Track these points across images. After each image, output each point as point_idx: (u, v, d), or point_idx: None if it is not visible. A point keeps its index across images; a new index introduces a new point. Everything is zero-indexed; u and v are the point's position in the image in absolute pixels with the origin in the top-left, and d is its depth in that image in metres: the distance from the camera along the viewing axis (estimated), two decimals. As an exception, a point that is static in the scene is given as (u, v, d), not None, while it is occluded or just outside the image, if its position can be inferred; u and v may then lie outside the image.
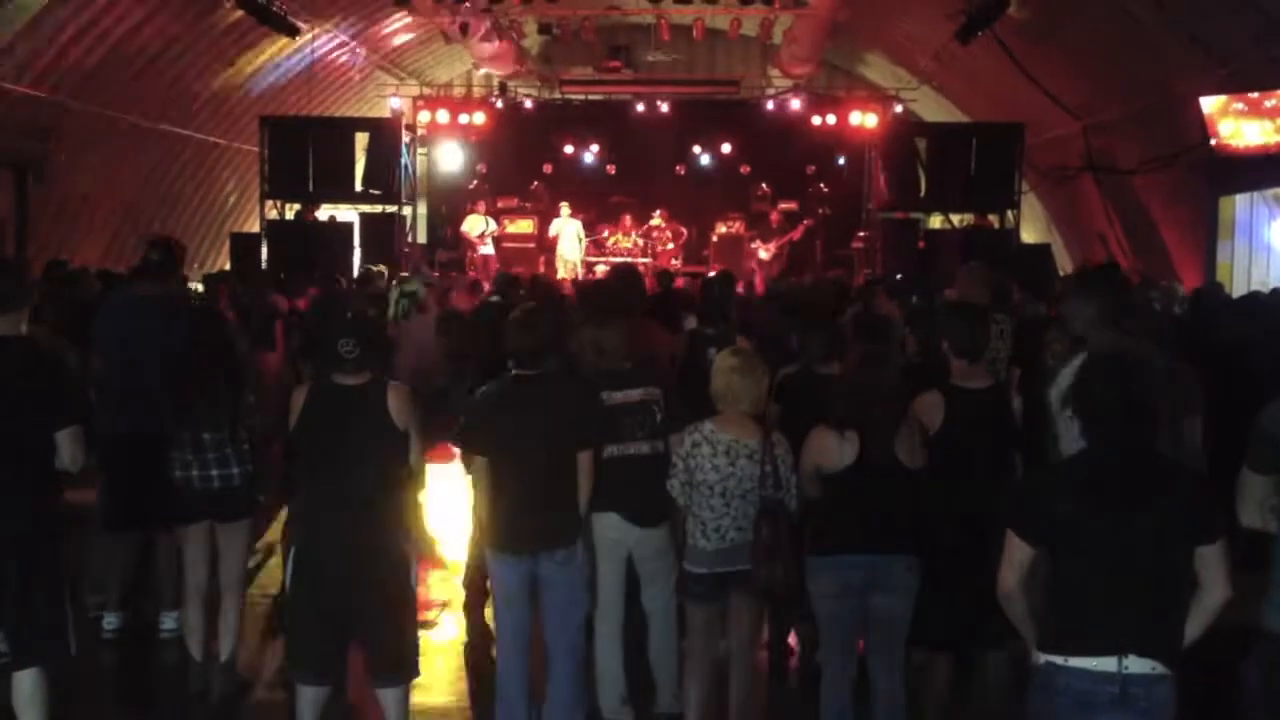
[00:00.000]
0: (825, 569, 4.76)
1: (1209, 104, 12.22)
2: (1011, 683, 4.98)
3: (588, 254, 18.05)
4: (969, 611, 4.69)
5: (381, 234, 16.45)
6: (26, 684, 4.68)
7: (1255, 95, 11.92)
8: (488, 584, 6.03)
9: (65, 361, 5.25)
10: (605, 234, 18.35)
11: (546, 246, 18.25)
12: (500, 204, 18.67)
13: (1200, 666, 3.67)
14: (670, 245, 18.14)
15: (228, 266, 16.00)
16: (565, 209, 18.11)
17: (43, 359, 4.82)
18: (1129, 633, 3.41)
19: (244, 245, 15.90)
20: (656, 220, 18.28)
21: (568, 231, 18.06)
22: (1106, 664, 3.40)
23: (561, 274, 16.99)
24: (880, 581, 4.71)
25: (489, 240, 17.79)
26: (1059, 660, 3.47)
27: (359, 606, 4.82)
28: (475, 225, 17.77)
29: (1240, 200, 13.83)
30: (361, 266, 14.44)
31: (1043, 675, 3.52)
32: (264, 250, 15.61)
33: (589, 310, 6.13)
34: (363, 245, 16.25)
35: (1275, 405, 3.81)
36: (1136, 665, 3.40)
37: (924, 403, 4.96)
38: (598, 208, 18.76)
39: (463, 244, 18.06)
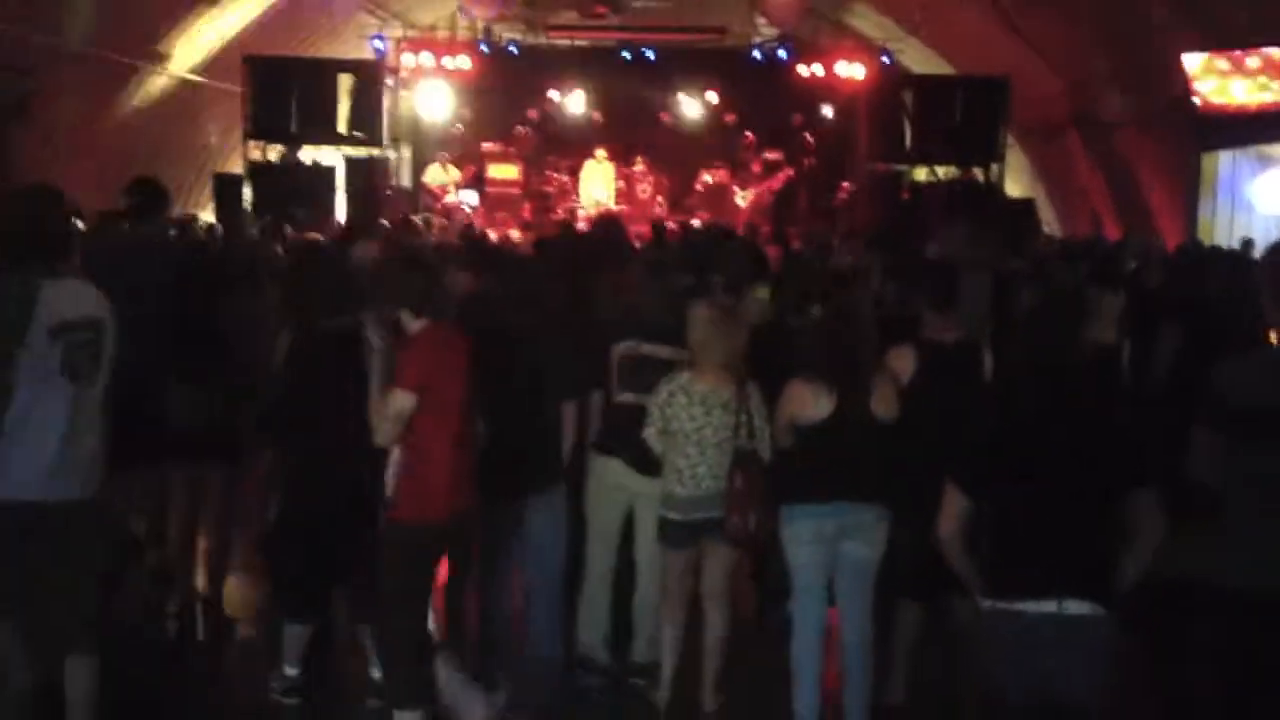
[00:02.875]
0: (797, 517, 4.87)
1: (1191, 62, 12.26)
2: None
3: (568, 203, 18.02)
4: (937, 559, 4.81)
5: (364, 178, 16.42)
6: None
7: (1238, 53, 11.97)
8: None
9: None
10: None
11: (535, 192, 18.22)
12: (485, 148, 18.59)
13: (1146, 616, 3.81)
14: (649, 193, 18.13)
15: (211, 207, 15.97)
16: (601, 153, 18.07)
17: None
18: (1066, 576, 3.54)
19: (226, 186, 15.85)
20: (639, 166, 18.26)
21: (598, 174, 18.06)
22: (1046, 606, 3.54)
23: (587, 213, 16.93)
24: (851, 530, 4.83)
25: (452, 189, 17.66)
26: (1002, 604, 3.60)
27: (344, 546, 4.94)
28: (435, 176, 17.69)
29: (1223, 157, 13.91)
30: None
31: (987, 619, 3.66)
32: (246, 192, 15.57)
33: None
34: (347, 189, 16.22)
35: (1226, 363, 3.91)
36: (1075, 607, 3.53)
37: (896, 355, 5.06)
38: (581, 155, 18.72)
39: (423, 195, 17.91)
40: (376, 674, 5.13)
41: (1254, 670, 3.80)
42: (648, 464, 5.24)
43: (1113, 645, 3.60)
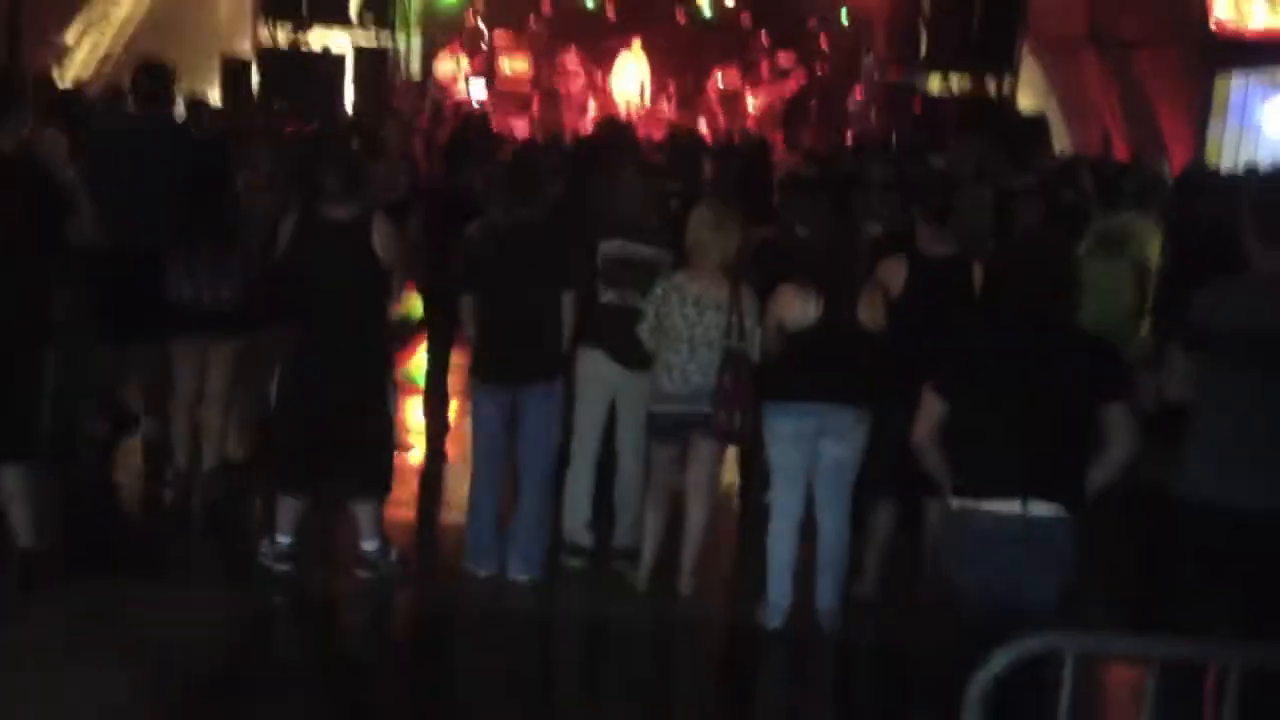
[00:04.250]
0: (780, 415, 5.05)
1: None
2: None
3: (577, 99, 17.85)
4: (913, 460, 4.97)
5: (374, 68, 16.28)
6: (9, 479, 4.94)
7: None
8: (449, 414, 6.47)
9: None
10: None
11: (547, 87, 18.06)
12: (496, 37, 18.38)
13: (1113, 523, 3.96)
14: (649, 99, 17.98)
15: (218, 90, 15.86)
16: (637, 43, 17.85)
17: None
18: (1032, 477, 3.69)
19: (235, 72, 15.72)
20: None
21: (632, 70, 17.91)
22: (1011, 506, 3.69)
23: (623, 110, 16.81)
24: (830, 429, 5.00)
25: (462, 81, 17.48)
26: (969, 504, 3.75)
27: (339, 426, 5.12)
28: (446, 66, 17.50)
29: (1236, 80, 13.81)
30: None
31: (954, 517, 3.81)
32: (254, 78, 15.45)
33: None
34: (355, 79, 16.09)
35: (1206, 292, 4.00)
36: (1038, 509, 3.68)
37: (886, 267, 5.17)
38: (595, 50, 18.51)
39: (433, 86, 17.72)
40: (368, 547, 5.35)
41: (1217, 583, 3.95)
42: (629, 358, 5.37)
43: (1074, 548, 3.73)
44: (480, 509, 5.48)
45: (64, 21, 14.15)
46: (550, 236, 5.37)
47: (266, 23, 16.14)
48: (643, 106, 17.55)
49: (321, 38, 16.86)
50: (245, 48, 16.70)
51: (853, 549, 5.26)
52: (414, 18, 17.91)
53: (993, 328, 3.93)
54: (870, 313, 4.99)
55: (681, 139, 8.69)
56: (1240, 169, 11.64)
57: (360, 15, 16.41)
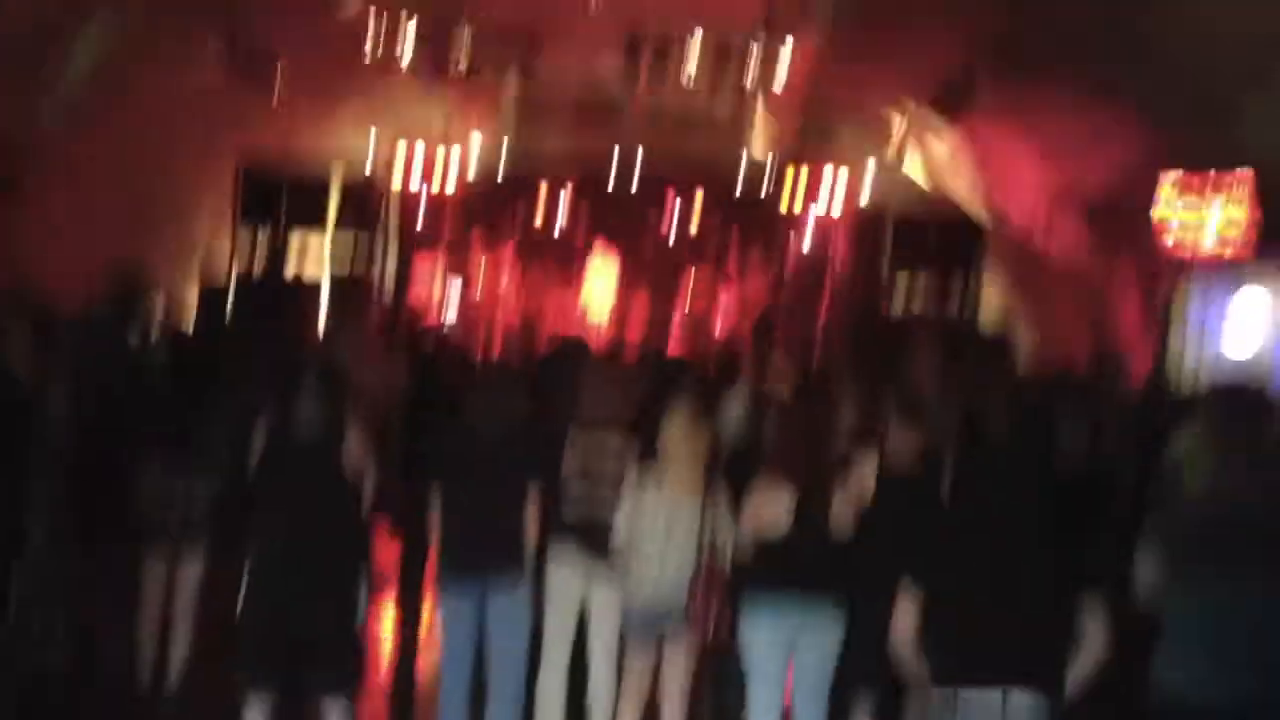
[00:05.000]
0: (756, 615, 4.99)
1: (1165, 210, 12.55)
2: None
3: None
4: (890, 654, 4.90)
5: (351, 294, 16.55)
6: None
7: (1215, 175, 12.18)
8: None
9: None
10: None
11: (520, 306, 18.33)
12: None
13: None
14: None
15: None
16: (599, 252, 18.23)
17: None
18: (1010, 663, 3.66)
19: (209, 301, 15.86)
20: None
21: (602, 271, 18.31)
22: (990, 696, 3.61)
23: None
24: (808, 632, 4.95)
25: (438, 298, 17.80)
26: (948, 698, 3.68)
27: (309, 621, 5.05)
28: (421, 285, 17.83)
29: (1196, 285, 14.15)
30: None
31: (934, 713, 3.74)
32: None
33: None
34: (329, 311, 16.28)
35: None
36: (1018, 700, 3.61)
37: (858, 473, 5.17)
38: (566, 266, 18.83)
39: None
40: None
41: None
42: (601, 550, 5.35)
43: None
44: (449, 716, 5.38)
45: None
46: (522, 434, 5.44)
47: (245, 224, 16.35)
48: (612, 309, 17.86)
49: (300, 249, 17.06)
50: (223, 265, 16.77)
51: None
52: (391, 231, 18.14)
53: (968, 514, 3.94)
54: (841, 512, 4.99)
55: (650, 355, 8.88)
56: (1200, 376, 11.84)
57: (339, 214, 16.76)
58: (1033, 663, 3.69)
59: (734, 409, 6.60)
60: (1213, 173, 11.90)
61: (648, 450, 5.35)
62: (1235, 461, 3.90)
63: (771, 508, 4.98)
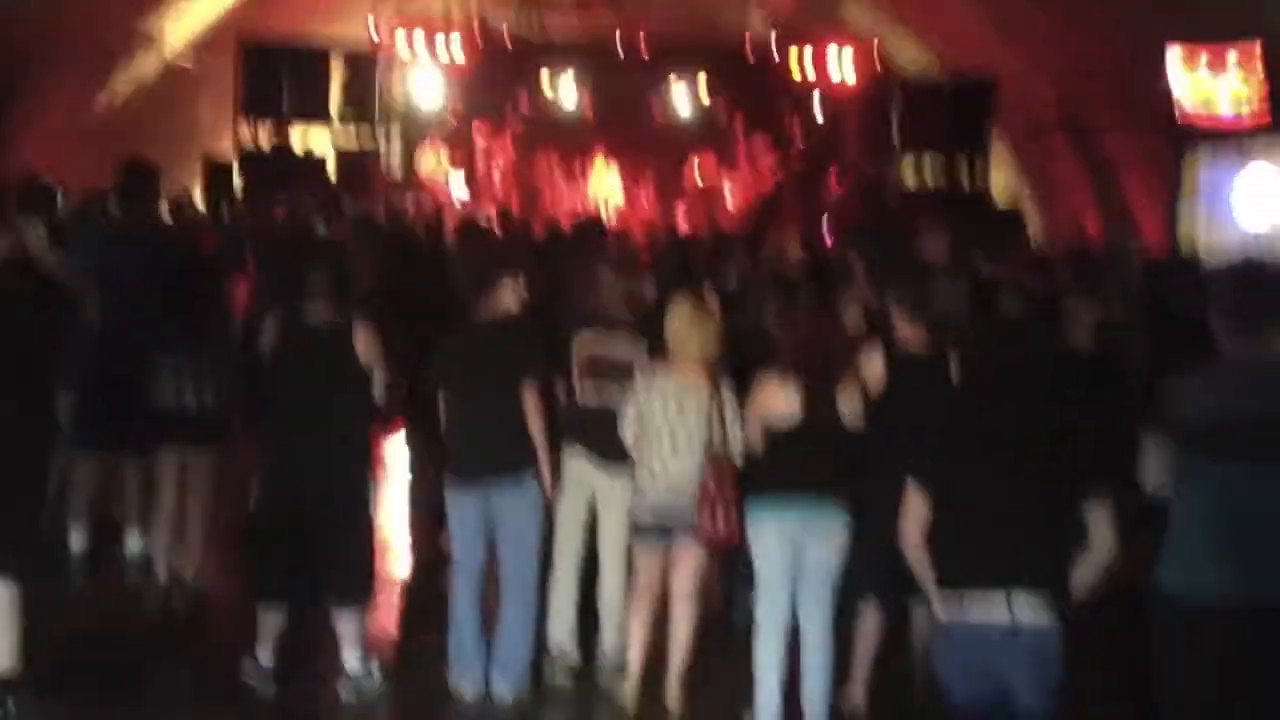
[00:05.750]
0: (762, 513, 5.00)
1: (1176, 82, 12.33)
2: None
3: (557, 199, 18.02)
4: (898, 564, 4.94)
5: (357, 170, 16.41)
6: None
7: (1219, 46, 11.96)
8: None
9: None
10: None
11: (525, 184, 18.22)
12: (475, 130, 18.51)
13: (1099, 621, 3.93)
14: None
15: (199, 191, 15.93)
16: (600, 160, 18.08)
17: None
18: (1015, 569, 3.68)
19: (217, 173, 15.83)
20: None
21: (605, 176, 18.06)
22: (997, 613, 3.66)
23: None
24: (813, 533, 4.95)
25: (444, 178, 17.59)
26: (955, 608, 3.73)
27: (320, 532, 5.06)
28: (428, 163, 17.57)
29: (1204, 159, 13.98)
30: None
31: (941, 629, 3.82)
32: (236, 179, 15.56)
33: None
34: (339, 181, 16.19)
35: (1178, 382, 3.99)
36: (1025, 612, 3.66)
37: (866, 360, 5.18)
38: (572, 149, 18.69)
39: (416, 186, 17.80)
40: (350, 659, 5.26)
41: (1200, 678, 3.92)
42: (609, 454, 5.35)
43: (1062, 654, 3.71)
44: (460, 620, 5.40)
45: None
46: (516, 331, 5.36)
47: (248, 121, 16.28)
48: (620, 206, 17.75)
49: (302, 136, 17.01)
50: (227, 147, 16.80)
51: (838, 655, 5.16)
52: (394, 114, 18.02)
53: (973, 418, 3.93)
54: (850, 408, 5.00)
55: (660, 238, 8.76)
56: (1212, 251, 11.76)
57: (341, 112, 16.58)
58: (1038, 564, 3.70)
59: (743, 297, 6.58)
60: (1224, 45, 11.72)
61: (655, 343, 5.33)
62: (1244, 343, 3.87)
63: (781, 403, 4.97)
